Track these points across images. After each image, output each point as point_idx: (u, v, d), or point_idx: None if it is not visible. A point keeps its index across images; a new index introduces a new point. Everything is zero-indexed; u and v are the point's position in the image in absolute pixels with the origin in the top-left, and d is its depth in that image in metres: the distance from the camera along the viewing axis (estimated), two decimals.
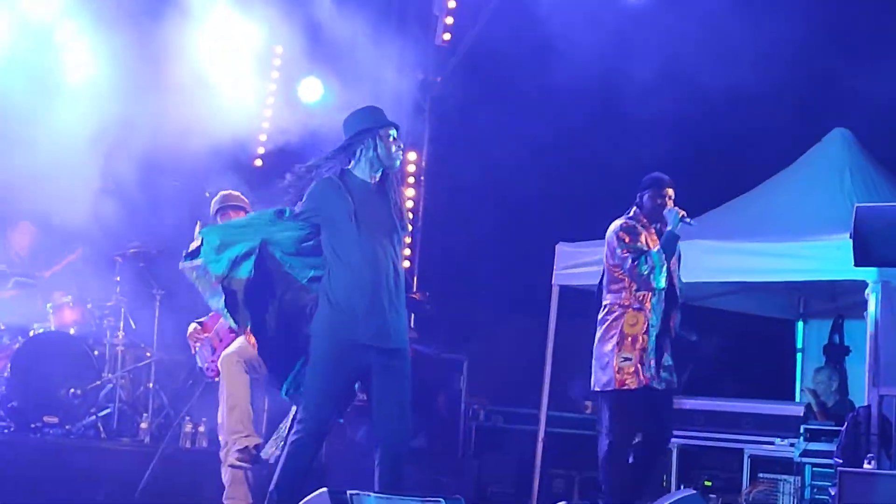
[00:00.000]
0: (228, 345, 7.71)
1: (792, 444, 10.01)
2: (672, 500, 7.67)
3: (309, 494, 5.32)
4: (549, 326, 11.81)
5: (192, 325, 7.99)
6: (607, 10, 11.87)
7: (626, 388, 7.51)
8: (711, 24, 12.16)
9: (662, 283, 7.70)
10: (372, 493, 5.20)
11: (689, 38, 12.19)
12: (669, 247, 7.77)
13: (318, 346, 6.22)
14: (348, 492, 5.14)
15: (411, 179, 13.50)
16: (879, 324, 9.80)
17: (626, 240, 7.70)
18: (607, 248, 7.87)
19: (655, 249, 7.67)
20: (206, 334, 7.87)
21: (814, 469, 10.04)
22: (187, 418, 10.02)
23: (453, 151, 13.57)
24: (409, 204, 13.13)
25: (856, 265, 8.66)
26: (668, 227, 7.78)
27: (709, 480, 10.53)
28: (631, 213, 7.96)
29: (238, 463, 7.53)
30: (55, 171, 9.24)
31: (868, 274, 9.58)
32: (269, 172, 11.20)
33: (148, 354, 10.32)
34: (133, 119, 9.65)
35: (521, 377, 12.33)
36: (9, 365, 9.46)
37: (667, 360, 7.69)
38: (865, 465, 9.38)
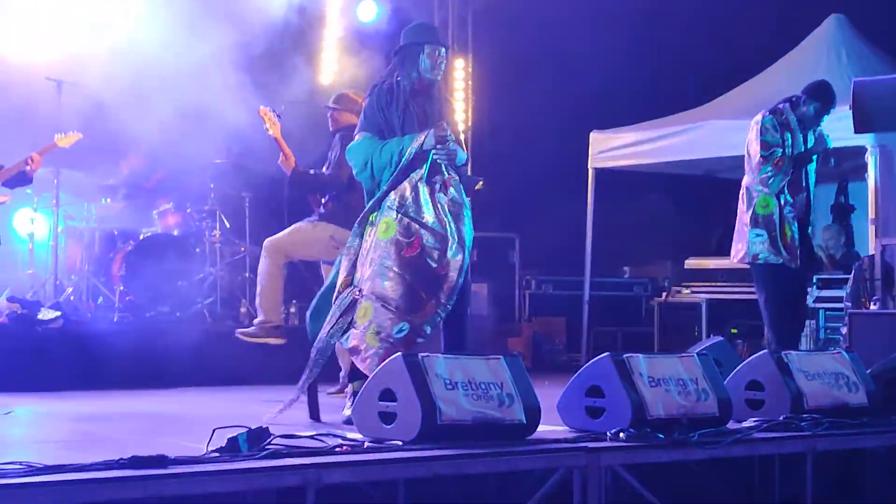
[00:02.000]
0: None
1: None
2: (703, 346, 7.72)
3: None
4: (588, 205, 11.83)
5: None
6: None
7: None
8: None
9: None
10: (441, 355, 5.23)
11: None
12: (801, 166, 7.57)
13: None
14: (420, 354, 5.18)
15: (460, 84, 13.43)
16: (879, 183, 9.78)
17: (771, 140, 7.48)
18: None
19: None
20: None
21: (826, 313, 10.05)
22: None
23: (498, 54, 13.47)
24: (461, 103, 13.08)
25: (855, 132, 8.60)
26: (809, 148, 7.56)
27: (734, 329, 10.56)
28: (784, 107, 7.67)
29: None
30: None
31: (867, 140, 9.53)
32: None
33: (242, 249, 10.41)
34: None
35: (567, 250, 12.37)
36: (123, 265, 9.59)
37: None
38: (871, 307, 9.39)
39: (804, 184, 7.60)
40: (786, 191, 7.50)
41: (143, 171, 10.47)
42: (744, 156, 7.90)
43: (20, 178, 7.87)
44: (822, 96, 7.59)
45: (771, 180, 7.40)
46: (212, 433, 4.70)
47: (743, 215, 7.64)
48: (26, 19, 9.30)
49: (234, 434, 4.66)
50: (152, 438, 5.26)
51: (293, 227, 8.06)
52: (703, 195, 13.27)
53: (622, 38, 12.78)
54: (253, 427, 4.71)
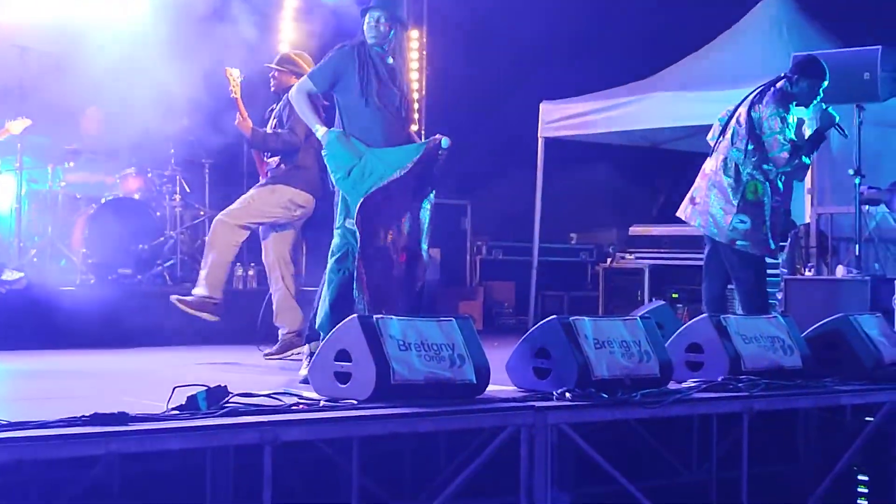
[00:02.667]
0: None
1: None
2: (646, 310, 7.76)
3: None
4: (537, 173, 11.85)
5: None
6: None
7: None
8: None
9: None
10: (394, 317, 5.22)
11: None
12: (815, 146, 7.38)
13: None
14: (374, 316, 5.18)
15: (415, 54, 13.37)
16: (815, 156, 9.83)
17: (784, 126, 7.16)
18: (753, 118, 7.27)
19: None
20: None
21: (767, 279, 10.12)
22: (238, 264, 10.13)
23: (452, 24, 13.40)
24: (415, 73, 13.01)
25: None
26: (819, 127, 7.32)
27: (675, 293, 10.63)
28: (783, 90, 7.28)
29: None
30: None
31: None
32: None
33: (202, 213, 10.35)
34: None
35: (516, 217, 12.39)
36: (86, 227, 9.51)
37: None
38: (806, 273, 9.49)
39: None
40: (779, 179, 7.37)
41: (102, 135, 10.36)
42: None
43: None
44: (813, 71, 7.35)
45: (780, 169, 7.24)
46: (172, 391, 4.68)
47: (720, 193, 7.32)
48: None
49: (194, 392, 4.64)
50: (113, 396, 5.22)
51: (247, 196, 7.96)
52: (647, 165, 13.34)
53: (573, 10, 12.79)
54: (211, 386, 4.70)
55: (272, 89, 8.08)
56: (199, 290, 7.78)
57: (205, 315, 7.77)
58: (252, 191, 8.02)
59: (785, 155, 7.13)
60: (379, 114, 6.20)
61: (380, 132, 6.20)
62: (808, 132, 7.46)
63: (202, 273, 7.87)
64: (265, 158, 8.04)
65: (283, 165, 7.89)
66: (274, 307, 7.94)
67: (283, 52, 8.33)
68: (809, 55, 7.73)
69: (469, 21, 13.12)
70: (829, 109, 7.34)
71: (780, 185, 7.40)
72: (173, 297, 7.81)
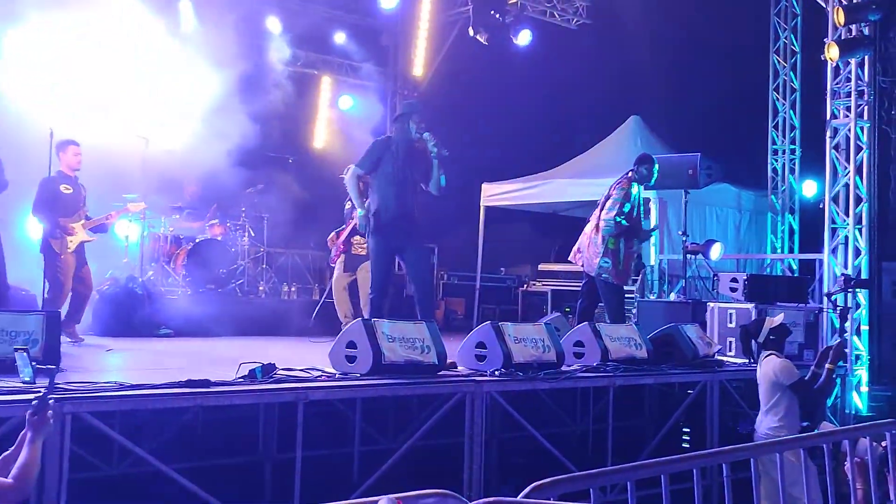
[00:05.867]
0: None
1: None
2: (548, 319, 7.77)
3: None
4: (480, 229, 11.86)
5: (331, 234, 7.99)
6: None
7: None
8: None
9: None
10: (386, 320, 5.19)
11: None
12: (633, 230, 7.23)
13: None
14: (373, 319, 5.15)
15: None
16: (658, 219, 9.83)
17: (623, 203, 7.10)
18: (608, 194, 7.24)
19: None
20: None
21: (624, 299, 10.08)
22: (284, 283, 10.10)
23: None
24: None
25: (645, 189, 8.66)
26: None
27: (567, 308, 10.63)
28: (630, 177, 7.23)
29: None
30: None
31: (651, 194, 9.55)
32: None
33: (262, 250, 10.30)
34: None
35: (466, 256, 12.37)
36: (186, 258, 9.44)
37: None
38: (650, 297, 9.47)
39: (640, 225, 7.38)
40: (627, 232, 7.25)
41: (198, 197, 10.30)
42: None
43: (100, 228, 7.50)
44: (646, 160, 7.40)
45: (616, 229, 7.19)
46: (238, 366, 4.64)
47: (594, 239, 7.26)
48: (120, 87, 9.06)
49: (253, 367, 4.61)
50: (200, 369, 5.18)
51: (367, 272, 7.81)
52: (551, 224, 13.39)
53: (501, 122, 12.87)
54: (265, 363, 4.67)
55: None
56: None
57: None
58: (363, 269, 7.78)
59: (612, 214, 7.12)
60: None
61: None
62: (652, 207, 7.47)
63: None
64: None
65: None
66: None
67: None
68: (642, 153, 7.77)
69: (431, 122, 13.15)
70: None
71: (634, 243, 7.36)
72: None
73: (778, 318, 5.82)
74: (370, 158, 6.17)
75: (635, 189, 7.24)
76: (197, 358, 6.36)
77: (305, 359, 5.57)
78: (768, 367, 5.68)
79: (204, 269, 9.35)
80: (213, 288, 9.37)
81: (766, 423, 5.59)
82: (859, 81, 8.81)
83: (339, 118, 12.55)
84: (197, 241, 9.63)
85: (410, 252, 6.10)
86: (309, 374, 4.85)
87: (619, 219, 7.12)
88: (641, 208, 7.40)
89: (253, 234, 10.25)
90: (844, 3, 8.59)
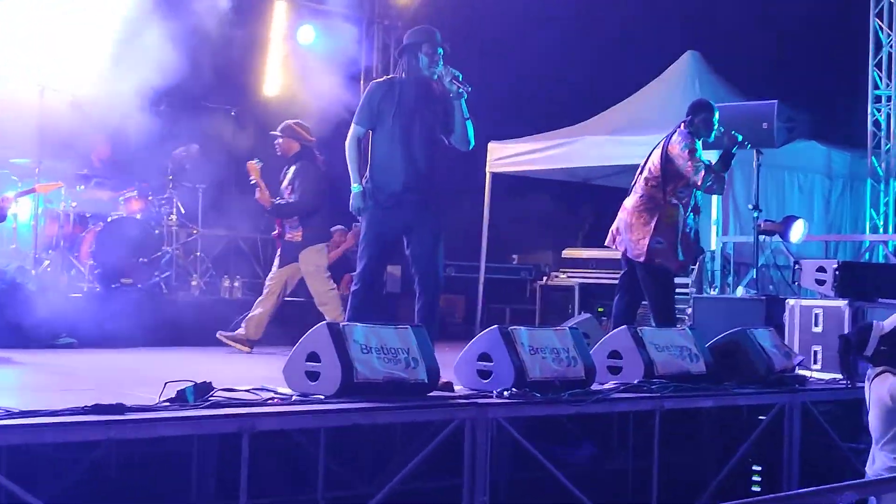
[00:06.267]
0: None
1: None
2: (575, 322, 7.80)
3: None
4: (485, 203, 11.90)
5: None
6: None
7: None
8: None
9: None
10: (358, 324, 5.20)
11: None
12: (726, 162, 7.34)
13: None
14: (341, 323, 5.16)
15: None
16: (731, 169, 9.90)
17: (695, 154, 7.14)
18: (666, 154, 7.24)
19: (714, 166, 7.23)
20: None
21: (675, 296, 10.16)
22: (225, 276, 10.13)
23: None
24: None
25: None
26: (726, 146, 7.30)
27: (601, 308, 10.67)
28: (686, 130, 7.28)
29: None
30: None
31: (713, 155, 9.64)
32: None
33: (195, 231, 10.31)
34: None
35: (467, 240, 12.40)
36: (94, 242, 9.44)
37: None
38: (711, 292, 9.56)
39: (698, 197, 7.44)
40: (690, 204, 7.33)
41: (110, 162, 10.31)
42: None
43: None
44: (701, 108, 7.39)
45: (703, 186, 7.15)
46: (164, 386, 4.66)
47: (641, 217, 7.30)
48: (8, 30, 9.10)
49: (183, 387, 4.63)
50: (113, 389, 5.19)
51: (309, 268, 8.25)
52: (579, 198, 13.42)
53: (518, 60, 12.87)
54: (198, 381, 4.68)
55: (278, 153, 8.34)
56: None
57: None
58: (304, 260, 8.26)
59: (702, 174, 7.12)
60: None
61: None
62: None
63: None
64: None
65: (305, 229, 8.26)
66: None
67: (285, 122, 8.45)
68: (698, 98, 7.76)
69: None
70: (733, 132, 7.37)
71: (690, 219, 7.41)
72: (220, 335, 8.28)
73: (890, 323, 5.78)
74: (368, 110, 5.99)
75: (699, 147, 7.26)
76: (109, 375, 6.36)
77: (252, 376, 5.58)
78: (883, 388, 5.62)
79: (118, 257, 9.37)
80: (129, 283, 9.39)
81: (881, 461, 5.55)
82: None
83: (298, 56, 12.52)
84: (109, 219, 9.64)
85: (419, 234, 5.99)
86: (257, 397, 4.87)
87: (708, 178, 7.07)
88: (734, 154, 7.43)
89: (183, 212, 10.27)
90: None
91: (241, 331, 8.23)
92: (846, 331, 7.17)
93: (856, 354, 5.82)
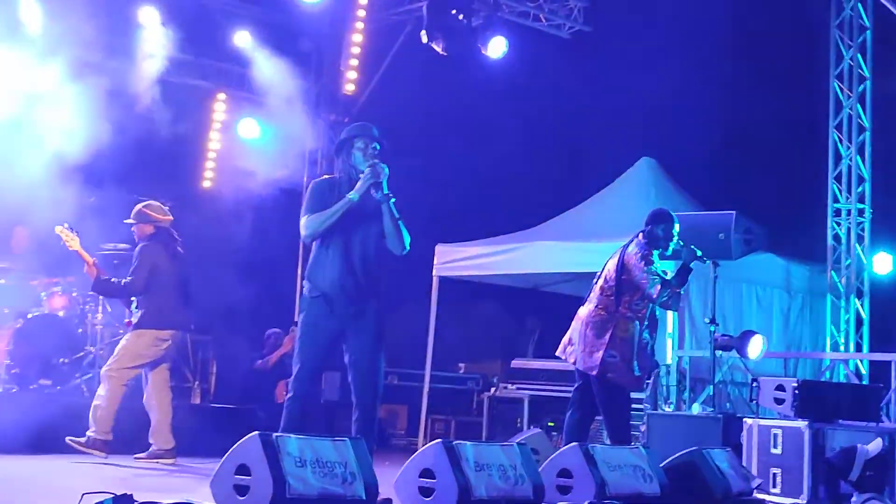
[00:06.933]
0: None
1: None
2: (524, 436, 7.76)
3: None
4: (431, 308, 11.88)
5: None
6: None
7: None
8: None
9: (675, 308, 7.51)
10: (293, 435, 5.14)
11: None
12: (683, 278, 7.35)
13: None
14: (273, 434, 5.10)
15: None
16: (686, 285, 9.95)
17: (651, 265, 7.17)
18: (622, 264, 7.28)
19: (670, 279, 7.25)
20: None
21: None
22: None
23: None
24: None
25: (661, 259, 8.79)
26: (684, 261, 7.32)
27: (551, 422, 10.63)
28: (644, 241, 7.32)
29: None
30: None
31: (667, 265, 9.71)
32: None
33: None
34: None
35: (412, 346, 12.37)
36: (12, 340, 9.30)
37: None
38: (666, 409, 9.58)
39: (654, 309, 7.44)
40: (646, 317, 7.33)
41: (31, 251, 10.19)
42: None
43: None
44: (661, 218, 7.41)
45: (658, 301, 7.14)
46: (80, 498, 4.55)
47: (595, 329, 7.27)
48: None
49: (102, 500, 4.51)
50: (25, 501, 5.05)
51: (120, 347, 8.21)
52: (530, 304, 13.46)
53: (467, 163, 13.02)
54: (118, 493, 4.57)
55: (136, 239, 8.47)
56: (93, 430, 7.89)
57: (94, 452, 7.86)
58: (123, 341, 8.27)
59: (657, 287, 7.13)
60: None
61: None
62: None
63: (94, 415, 7.96)
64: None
65: (140, 311, 8.20)
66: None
67: (136, 208, 8.47)
68: (657, 208, 7.75)
69: None
70: (692, 246, 7.43)
71: (646, 322, 7.42)
72: (68, 440, 7.87)
73: (874, 447, 5.80)
74: (320, 201, 5.97)
75: (657, 259, 7.32)
76: (21, 485, 6.20)
77: (177, 486, 5.47)
78: None
79: (37, 357, 9.22)
80: (48, 384, 9.22)
81: None
82: None
83: (238, 150, 12.59)
84: (28, 316, 9.51)
85: (358, 339, 5.95)
86: None
87: (664, 293, 7.11)
88: (691, 268, 7.45)
89: (109, 310, 10.14)
90: None
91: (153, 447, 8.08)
92: (806, 453, 7.19)
93: (841, 479, 5.79)
